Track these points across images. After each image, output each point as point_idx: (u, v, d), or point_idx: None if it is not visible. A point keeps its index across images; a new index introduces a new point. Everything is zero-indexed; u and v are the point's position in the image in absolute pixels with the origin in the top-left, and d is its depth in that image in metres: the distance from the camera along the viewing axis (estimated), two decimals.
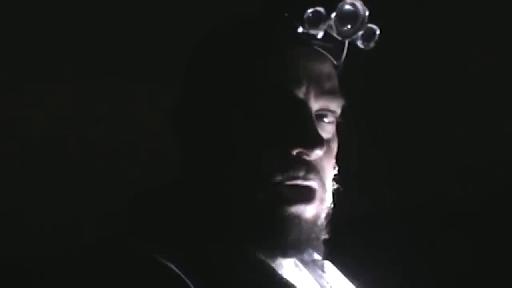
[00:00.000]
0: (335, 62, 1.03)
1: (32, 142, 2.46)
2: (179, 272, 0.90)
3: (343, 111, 1.04)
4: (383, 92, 2.27)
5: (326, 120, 1.02)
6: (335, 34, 0.98)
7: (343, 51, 1.03)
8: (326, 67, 1.01)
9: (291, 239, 0.97)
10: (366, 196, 2.24)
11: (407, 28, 2.11)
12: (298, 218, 0.97)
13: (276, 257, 1.01)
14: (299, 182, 0.97)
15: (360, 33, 0.99)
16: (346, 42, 1.01)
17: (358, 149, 2.01)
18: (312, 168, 0.98)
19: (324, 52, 1.01)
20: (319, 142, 0.97)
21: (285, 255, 1.00)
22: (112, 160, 2.52)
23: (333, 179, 1.05)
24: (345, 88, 1.04)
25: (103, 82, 2.30)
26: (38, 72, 2.25)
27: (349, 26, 0.98)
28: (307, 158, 0.97)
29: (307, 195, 0.98)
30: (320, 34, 0.99)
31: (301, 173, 0.97)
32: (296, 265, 1.07)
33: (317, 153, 0.98)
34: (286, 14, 0.98)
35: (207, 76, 1.03)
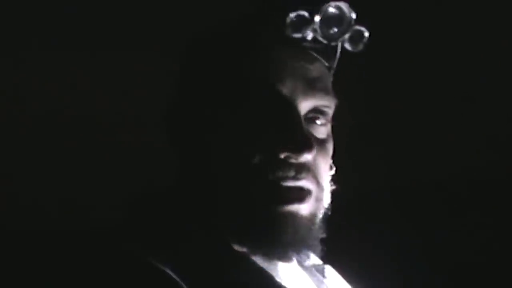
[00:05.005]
0: (326, 64, 1.02)
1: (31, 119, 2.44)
2: (174, 276, 0.90)
3: (337, 113, 1.03)
4: (382, 75, 2.24)
5: (318, 122, 1.01)
6: (320, 38, 0.97)
7: (336, 52, 1.02)
8: (316, 68, 1.01)
9: (286, 237, 0.97)
10: (364, 178, 2.22)
11: (405, 15, 2.07)
12: (292, 216, 0.97)
13: (274, 261, 1.00)
14: (290, 183, 0.97)
15: (347, 35, 0.98)
16: (339, 44, 1.00)
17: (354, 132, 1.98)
18: (302, 169, 0.98)
19: (314, 53, 1.00)
20: (307, 146, 0.97)
21: (281, 254, 0.99)
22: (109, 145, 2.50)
23: (331, 180, 1.04)
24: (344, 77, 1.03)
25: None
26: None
27: (335, 29, 0.97)
28: (296, 161, 0.97)
29: (300, 194, 0.98)
30: (309, 36, 0.98)
31: (291, 174, 0.97)
32: (296, 270, 1.06)
33: (305, 157, 0.97)
34: (270, 18, 0.98)
35: (198, 77, 1.04)
